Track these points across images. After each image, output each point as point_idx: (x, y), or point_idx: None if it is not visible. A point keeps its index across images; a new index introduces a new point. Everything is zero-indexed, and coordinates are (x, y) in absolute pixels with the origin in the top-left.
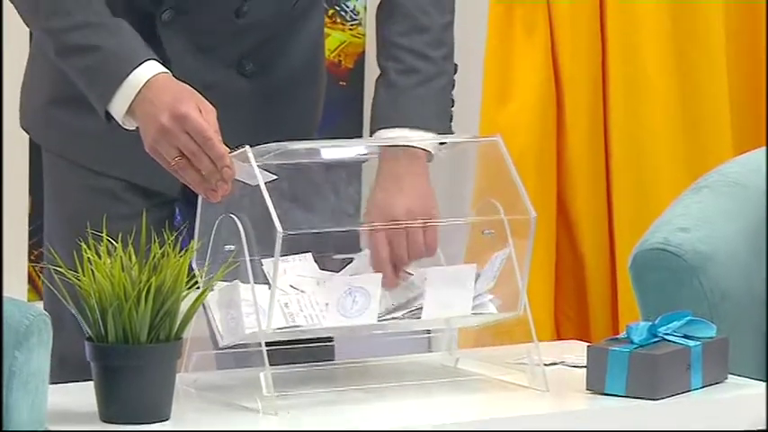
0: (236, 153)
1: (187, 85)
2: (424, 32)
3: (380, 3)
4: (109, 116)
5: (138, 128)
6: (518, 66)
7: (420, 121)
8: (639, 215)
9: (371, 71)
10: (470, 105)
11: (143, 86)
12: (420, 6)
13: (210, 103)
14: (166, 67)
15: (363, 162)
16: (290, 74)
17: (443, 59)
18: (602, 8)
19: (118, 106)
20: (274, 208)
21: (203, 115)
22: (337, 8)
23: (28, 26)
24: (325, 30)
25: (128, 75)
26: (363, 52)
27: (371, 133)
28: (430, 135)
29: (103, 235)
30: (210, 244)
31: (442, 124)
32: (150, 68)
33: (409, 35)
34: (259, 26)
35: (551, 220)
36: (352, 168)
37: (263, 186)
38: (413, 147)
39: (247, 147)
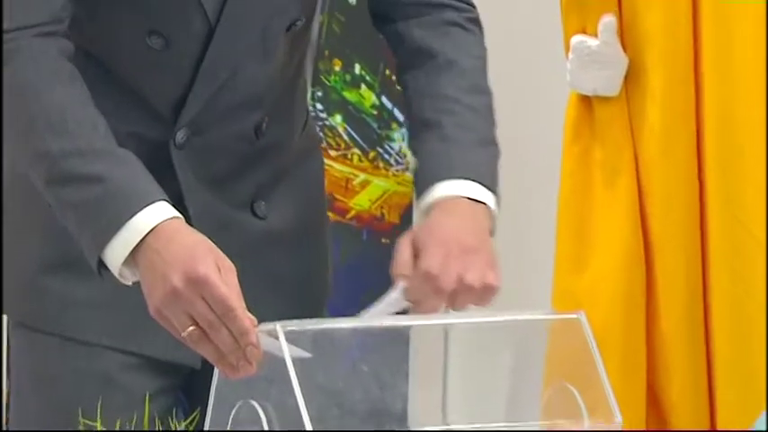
0: (263, 329)
1: (203, 236)
2: (484, 95)
3: (414, 54)
4: (101, 265)
5: (135, 282)
6: (597, 221)
7: (484, 179)
8: (748, 412)
9: None
10: (540, 270)
11: (149, 232)
12: (476, 70)
13: (226, 246)
14: (180, 206)
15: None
16: (299, 219)
17: (494, 132)
18: (701, 151)
19: (116, 253)
20: (305, 403)
21: (222, 276)
22: (379, 150)
23: (16, 152)
24: (366, 176)
25: (133, 215)
26: (410, 204)
27: (423, 189)
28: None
29: None
30: None
31: (497, 198)
32: (161, 211)
33: (470, 94)
34: (273, 153)
35: (639, 417)
36: (398, 349)
37: (293, 375)
38: (479, 201)
39: (277, 325)
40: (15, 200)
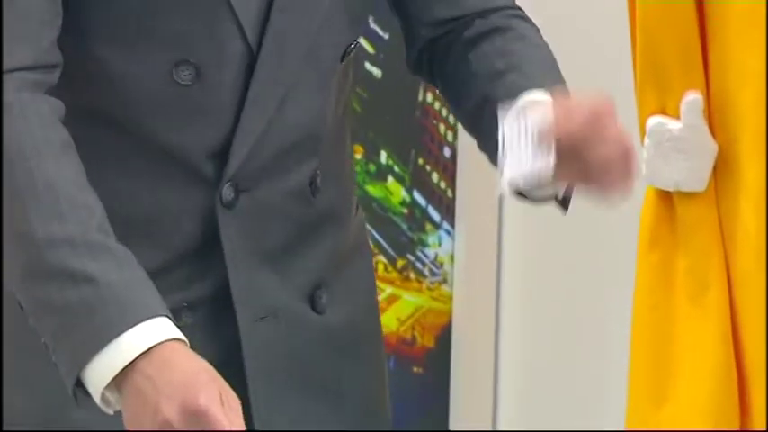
0: None
1: (206, 363)
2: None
3: (479, 35)
4: (77, 386)
5: (116, 412)
6: (680, 344)
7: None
8: None
9: (461, 350)
10: (613, 397)
11: (142, 355)
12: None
13: (271, 342)
14: (217, 283)
15: None
16: (358, 322)
17: None
18: None
19: (98, 374)
20: None
21: (226, 411)
22: (410, 257)
23: None
24: (394, 290)
25: (126, 330)
26: (449, 324)
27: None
28: None
29: None
30: None
31: None
32: (160, 329)
33: (550, 59)
34: (331, 226)
35: None
36: None
37: None
38: None
39: None
40: None
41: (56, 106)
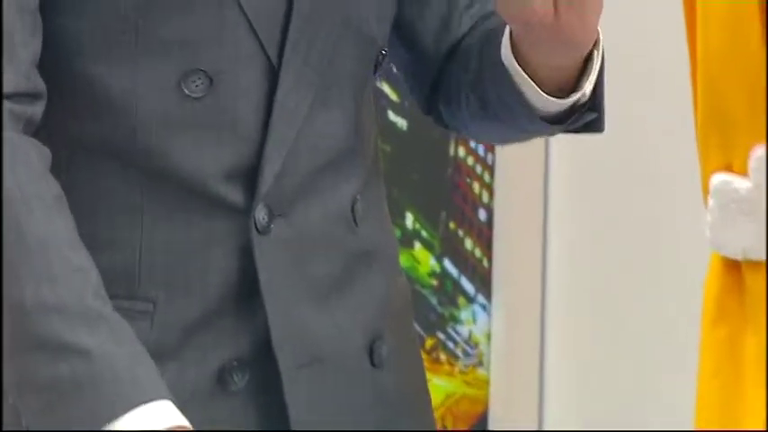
0: None
1: None
2: None
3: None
4: None
5: None
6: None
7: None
8: None
9: None
10: None
11: None
12: None
13: (320, 401)
14: (256, 325)
15: None
16: (411, 382)
17: None
18: None
19: None
20: None
21: None
22: (440, 336)
23: None
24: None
25: (123, 413)
26: (485, 413)
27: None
28: None
29: None
30: None
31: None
32: (161, 415)
33: None
34: (379, 262)
35: None
36: None
37: None
38: None
39: None
40: None
41: (44, 153)
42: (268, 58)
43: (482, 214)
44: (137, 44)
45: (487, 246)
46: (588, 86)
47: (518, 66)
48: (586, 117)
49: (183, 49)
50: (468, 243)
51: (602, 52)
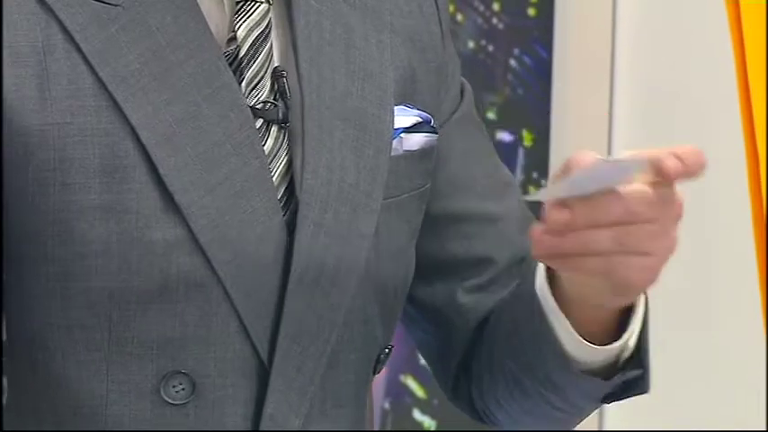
0: None
1: None
2: None
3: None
4: None
5: None
6: None
7: None
8: None
9: None
10: None
11: None
12: None
13: None
14: None
15: None
16: None
17: None
18: None
19: None
20: None
21: None
22: None
23: None
24: None
25: None
26: None
27: None
28: None
29: None
30: None
31: None
32: None
33: None
34: None
35: None
36: None
37: None
38: None
39: None
40: None
41: None
42: (258, 357)
43: None
44: (109, 341)
45: None
46: (632, 338)
47: (553, 300)
48: (628, 374)
49: (161, 349)
50: None
51: (647, 297)
